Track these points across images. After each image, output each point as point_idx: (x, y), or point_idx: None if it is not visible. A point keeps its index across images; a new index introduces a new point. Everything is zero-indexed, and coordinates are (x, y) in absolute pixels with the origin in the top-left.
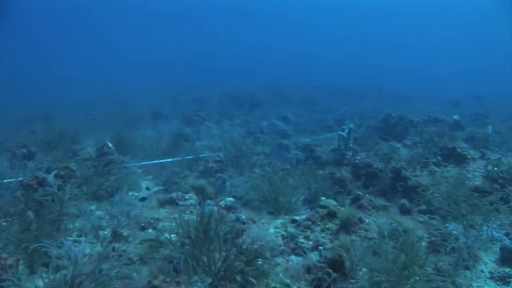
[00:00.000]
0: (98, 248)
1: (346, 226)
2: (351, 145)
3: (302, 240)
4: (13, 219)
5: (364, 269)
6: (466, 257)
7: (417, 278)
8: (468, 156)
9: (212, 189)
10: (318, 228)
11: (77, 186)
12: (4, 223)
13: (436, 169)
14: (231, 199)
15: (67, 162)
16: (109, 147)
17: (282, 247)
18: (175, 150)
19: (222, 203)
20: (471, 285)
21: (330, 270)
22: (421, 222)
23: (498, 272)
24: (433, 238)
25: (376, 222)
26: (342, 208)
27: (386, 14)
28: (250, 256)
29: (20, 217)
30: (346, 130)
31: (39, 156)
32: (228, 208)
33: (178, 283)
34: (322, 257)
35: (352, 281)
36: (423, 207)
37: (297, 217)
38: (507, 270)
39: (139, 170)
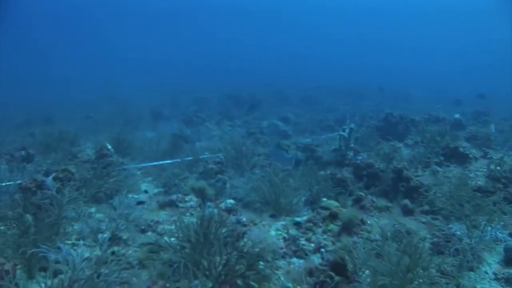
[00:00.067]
0: (97, 251)
1: (348, 228)
2: (352, 145)
3: (303, 242)
4: (11, 222)
5: (367, 272)
6: (470, 258)
7: (421, 280)
8: (471, 156)
9: (212, 190)
10: (319, 230)
11: (76, 189)
12: (2, 227)
13: (438, 169)
14: (232, 201)
15: (66, 165)
16: (108, 149)
17: (284, 250)
18: (175, 151)
19: (222, 205)
20: (476, 287)
21: (333, 273)
22: (423, 222)
23: (503, 273)
24: (436, 239)
25: (378, 223)
26: (344, 209)
27: (386, 14)
28: (251, 260)
29: (18, 220)
30: (347, 130)
31: (38, 158)
32: (229, 210)
33: None
34: (324, 260)
35: (355, 284)
36: (426, 207)
37: (298, 219)
38: None
39: (139, 172)
